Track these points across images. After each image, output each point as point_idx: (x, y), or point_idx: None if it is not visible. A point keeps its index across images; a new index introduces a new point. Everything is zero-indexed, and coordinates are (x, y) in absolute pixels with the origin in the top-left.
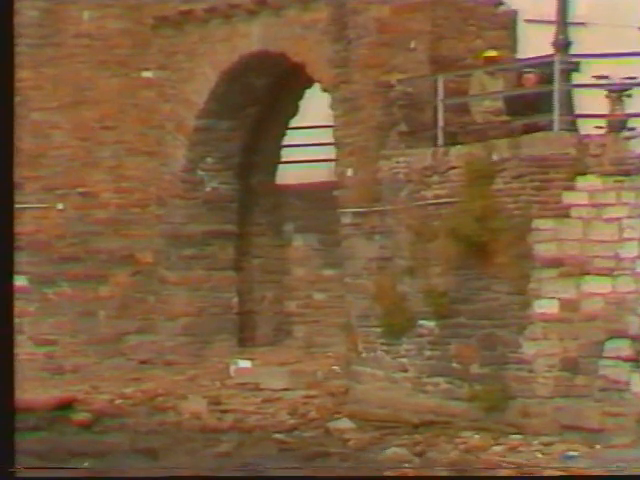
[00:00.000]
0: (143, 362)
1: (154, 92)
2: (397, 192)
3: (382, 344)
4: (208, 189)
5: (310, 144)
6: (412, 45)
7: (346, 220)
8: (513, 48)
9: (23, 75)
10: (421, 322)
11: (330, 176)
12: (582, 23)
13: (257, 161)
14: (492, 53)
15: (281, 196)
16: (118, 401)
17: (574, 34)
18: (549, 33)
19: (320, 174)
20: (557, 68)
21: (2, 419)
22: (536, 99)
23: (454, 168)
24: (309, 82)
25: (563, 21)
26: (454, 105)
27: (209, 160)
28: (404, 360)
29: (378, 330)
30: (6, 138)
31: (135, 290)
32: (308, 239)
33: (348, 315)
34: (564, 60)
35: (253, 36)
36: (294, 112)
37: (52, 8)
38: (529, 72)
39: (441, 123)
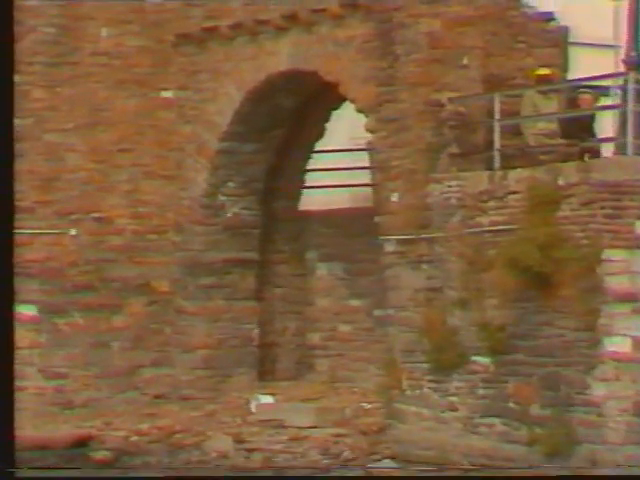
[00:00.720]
0: (158, 397)
1: (174, 113)
2: (448, 218)
3: (429, 381)
4: (229, 215)
5: (334, 168)
6: (464, 61)
7: (389, 248)
8: (564, 67)
9: (38, 95)
10: (474, 358)
11: (355, 202)
12: None
13: (280, 186)
14: (545, 71)
15: (304, 222)
16: (134, 438)
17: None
18: (593, 55)
19: (344, 200)
20: (631, 87)
21: (2, 419)
22: (591, 122)
23: (514, 193)
24: (337, 103)
25: (635, 38)
26: (505, 127)
27: (231, 184)
28: (454, 399)
29: (425, 366)
30: (7, 164)
31: (151, 320)
32: (332, 268)
33: (391, 350)
34: (638, 79)
35: (282, 54)
36: (320, 134)
37: (69, 25)
38: (586, 92)
39: (497, 145)
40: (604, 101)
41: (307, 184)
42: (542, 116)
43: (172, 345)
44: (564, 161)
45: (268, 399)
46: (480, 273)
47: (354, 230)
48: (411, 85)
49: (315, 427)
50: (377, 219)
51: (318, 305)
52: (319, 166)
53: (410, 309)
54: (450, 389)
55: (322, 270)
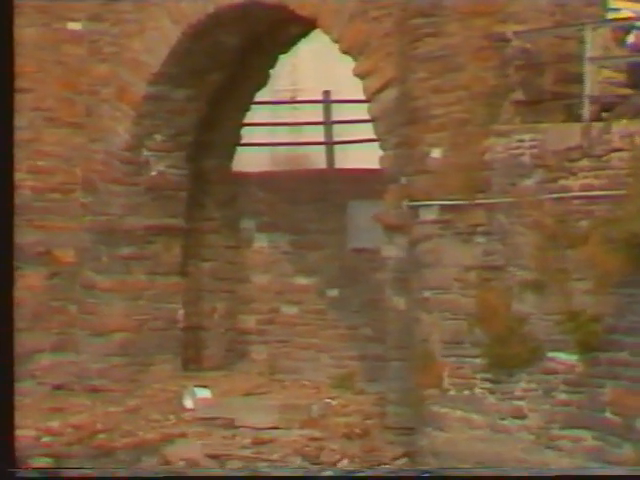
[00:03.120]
0: (58, 387)
1: (84, 49)
2: (518, 180)
3: (484, 380)
4: (153, 173)
5: (276, 123)
6: None
7: (427, 216)
8: None
9: None
10: (553, 354)
11: (301, 163)
12: None
13: (213, 141)
14: (627, 13)
15: (240, 185)
16: (45, 438)
17: None
18: None
19: (289, 160)
20: None
21: (2, 419)
22: None
23: (617, 151)
24: (287, 45)
25: None
26: (562, 72)
27: (157, 137)
28: (520, 403)
29: (477, 361)
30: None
31: (51, 296)
32: (274, 239)
33: (426, 340)
34: None
35: None
36: (263, 82)
37: None
38: None
39: (589, 90)
40: None
41: (244, 140)
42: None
43: (78, 327)
44: (635, 116)
45: (205, 393)
46: (565, 249)
47: (302, 196)
48: (465, 15)
49: (276, 428)
50: (404, 180)
51: (255, 283)
52: (259, 120)
53: (456, 291)
54: (515, 391)
55: (261, 242)
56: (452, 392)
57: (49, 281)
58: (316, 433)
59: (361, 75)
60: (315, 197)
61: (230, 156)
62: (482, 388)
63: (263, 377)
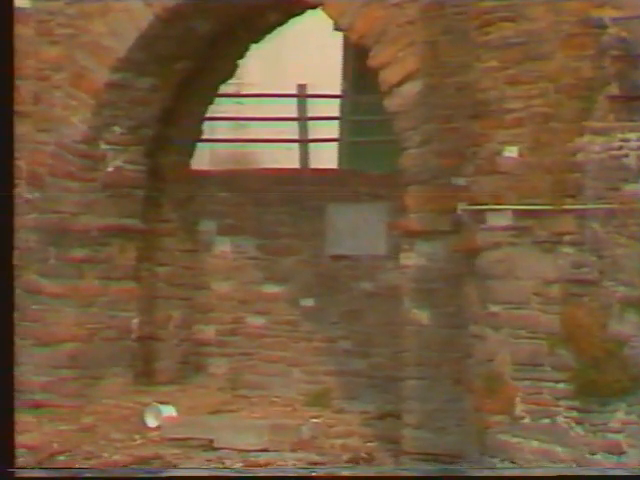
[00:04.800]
0: None
1: (31, 29)
2: (620, 185)
3: (569, 408)
4: (110, 169)
5: (248, 118)
6: None
7: (498, 222)
8: None
9: None
10: None
11: (267, 161)
12: None
13: (172, 135)
14: None
15: (199, 184)
16: None
17: None
18: None
19: (255, 158)
20: None
21: (2, 419)
22: None
23: None
24: (261, 34)
25: None
26: None
27: (116, 129)
28: (617, 437)
29: (561, 386)
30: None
31: None
32: (240, 244)
33: (492, 360)
34: None
35: None
36: (229, 73)
37: None
38: None
39: None
40: None
41: (205, 136)
42: None
43: (19, 335)
44: None
45: (169, 410)
46: None
47: (271, 198)
48: None
49: (266, 450)
50: (461, 181)
51: (215, 290)
52: (224, 114)
53: (535, 306)
54: (610, 423)
55: (223, 246)
56: (526, 420)
57: None
58: (314, 457)
59: (378, 66)
60: (287, 199)
61: (190, 153)
62: (567, 417)
63: (224, 392)
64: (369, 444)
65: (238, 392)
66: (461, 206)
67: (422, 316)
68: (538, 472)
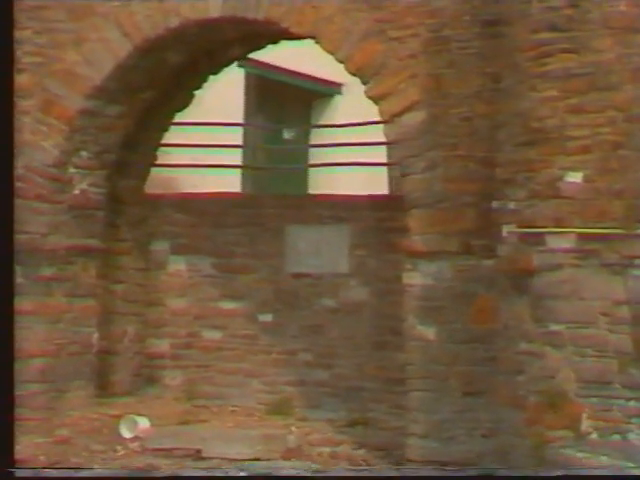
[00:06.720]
0: None
1: None
2: None
3: None
4: (76, 192)
5: (192, 145)
6: None
7: (559, 244)
8: None
9: None
10: None
11: (224, 185)
12: None
13: (130, 160)
14: None
15: (153, 207)
16: None
17: None
18: None
19: (212, 182)
20: None
21: (2, 419)
22: None
23: None
24: (221, 67)
25: None
26: None
27: (84, 154)
28: None
29: (631, 404)
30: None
31: None
32: (194, 262)
33: (553, 377)
34: None
35: None
36: (186, 103)
37: None
38: None
39: None
40: None
41: (159, 161)
42: None
43: None
44: None
45: (144, 421)
46: None
47: (227, 220)
48: (618, 31)
49: (258, 459)
50: (512, 205)
51: (169, 306)
52: (178, 141)
53: (601, 326)
54: None
55: (177, 265)
56: (594, 436)
57: None
58: (309, 464)
59: (375, 98)
60: (244, 221)
61: (144, 177)
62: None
63: (181, 403)
64: (358, 452)
65: (196, 402)
66: (507, 228)
67: (428, 332)
68: (539, 473)
